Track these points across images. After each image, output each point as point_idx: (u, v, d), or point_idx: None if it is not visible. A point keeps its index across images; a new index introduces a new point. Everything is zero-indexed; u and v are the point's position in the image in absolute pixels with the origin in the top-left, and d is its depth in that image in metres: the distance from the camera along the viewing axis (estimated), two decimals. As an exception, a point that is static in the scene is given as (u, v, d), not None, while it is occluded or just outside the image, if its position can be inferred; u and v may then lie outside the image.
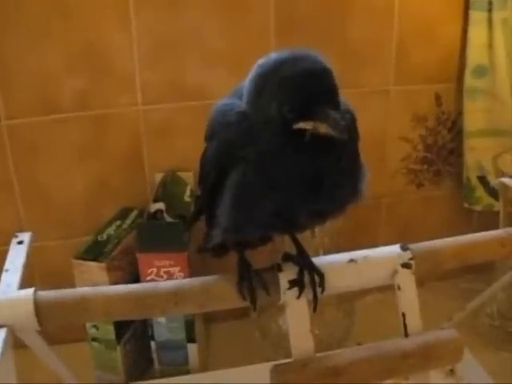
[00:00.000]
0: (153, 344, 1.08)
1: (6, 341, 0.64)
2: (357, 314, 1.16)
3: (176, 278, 0.99)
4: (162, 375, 1.09)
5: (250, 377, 0.98)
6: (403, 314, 0.73)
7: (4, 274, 0.76)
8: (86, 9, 1.03)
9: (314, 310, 0.70)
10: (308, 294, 0.70)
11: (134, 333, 1.10)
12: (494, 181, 1.14)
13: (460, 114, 1.21)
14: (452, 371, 1.05)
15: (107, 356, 1.07)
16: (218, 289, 0.69)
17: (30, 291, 0.68)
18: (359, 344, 1.11)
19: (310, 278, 0.70)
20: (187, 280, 0.70)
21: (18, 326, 0.67)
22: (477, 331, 1.19)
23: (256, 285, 0.68)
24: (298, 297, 0.69)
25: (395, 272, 0.73)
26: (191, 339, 1.07)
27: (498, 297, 1.16)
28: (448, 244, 0.78)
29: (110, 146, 1.12)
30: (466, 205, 1.25)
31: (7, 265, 0.77)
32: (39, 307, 0.66)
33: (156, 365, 1.10)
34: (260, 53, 1.08)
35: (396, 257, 0.74)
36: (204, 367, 1.11)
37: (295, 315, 0.69)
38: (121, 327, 1.06)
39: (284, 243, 0.81)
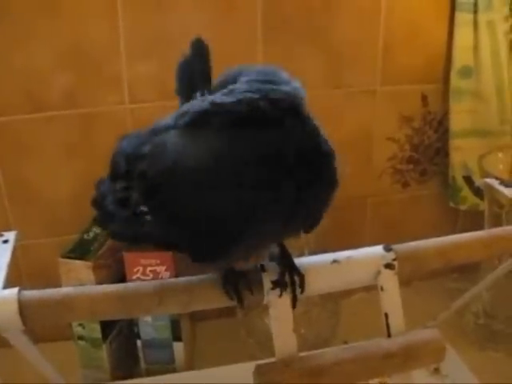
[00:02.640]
0: (139, 342, 1.08)
1: (-11, 340, 0.65)
2: (342, 314, 1.17)
3: (162, 277, 0.99)
4: (148, 374, 1.10)
5: (235, 375, 0.99)
6: (386, 315, 0.73)
7: (-12, 273, 0.76)
8: (74, 6, 1.03)
9: (294, 307, 0.70)
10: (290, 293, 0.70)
11: (119, 331, 1.10)
12: (479, 181, 1.15)
13: (446, 114, 1.22)
14: (436, 370, 1.07)
15: (93, 354, 1.07)
16: (202, 289, 0.69)
17: (14, 291, 0.67)
18: (346, 343, 1.12)
19: (290, 278, 0.70)
20: (171, 280, 0.71)
21: (2, 325, 0.67)
22: (462, 330, 1.20)
23: (241, 285, 0.69)
24: (280, 296, 0.69)
25: (378, 273, 0.74)
26: (177, 338, 1.07)
27: (482, 296, 1.17)
28: (431, 245, 0.78)
29: (97, 145, 1.11)
30: (451, 204, 1.26)
31: (-9, 264, 0.78)
32: (23, 307, 0.66)
33: (142, 363, 1.10)
34: (247, 52, 1.10)
35: (379, 257, 0.74)
36: (190, 366, 1.12)
37: (279, 315, 0.69)
38: (107, 326, 1.06)
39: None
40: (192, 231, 0.60)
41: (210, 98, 0.59)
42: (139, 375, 1.10)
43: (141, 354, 1.09)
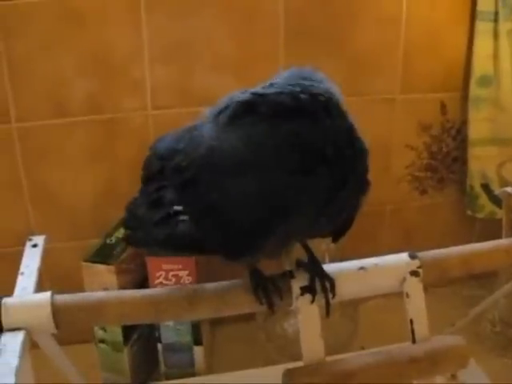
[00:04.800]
0: (159, 346, 1.09)
1: (24, 343, 0.66)
2: (359, 319, 1.17)
3: (184, 282, 1.01)
4: (168, 377, 1.11)
5: (255, 379, 1.00)
6: (411, 321, 0.75)
7: (20, 277, 0.77)
8: (98, 14, 1.04)
9: (327, 314, 0.72)
10: (319, 299, 0.71)
11: (140, 335, 1.11)
12: (497, 189, 1.15)
13: (464, 122, 1.23)
14: (454, 376, 1.07)
15: (114, 358, 1.08)
16: (232, 294, 0.70)
17: (47, 295, 0.69)
18: (363, 348, 1.13)
19: (321, 284, 0.72)
20: (201, 285, 0.72)
21: (34, 328, 0.68)
22: (478, 337, 1.20)
23: (270, 290, 0.70)
24: (312, 302, 0.70)
25: (404, 280, 0.75)
26: (198, 342, 1.09)
27: (499, 303, 1.17)
28: (455, 252, 0.80)
29: (119, 150, 1.13)
30: (468, 212, 1.27)
31: (22, 268, 0.79)
32: (56, 311, 0.68)
33: (162, 367, 1.11)
34: (269, 60, 1.11)
35: (404, 265, 0.75)
36: (210, 369, 1.13)
37: (306, 321, 0.71)
38: (128, 329, 1.07)
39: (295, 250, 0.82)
40: (226, 222, 0.61)
41: (249, 90, 0.61)
42: (159, 379, 1.11)
43: (161, 358, 1.10)
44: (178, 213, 0.67)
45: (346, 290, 0.73)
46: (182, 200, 0.66)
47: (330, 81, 0.63)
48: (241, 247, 0.62)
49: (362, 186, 0.65)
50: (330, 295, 0.72)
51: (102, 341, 1.07)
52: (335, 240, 0.71)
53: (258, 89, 0.62)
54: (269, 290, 0.70)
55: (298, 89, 0.59)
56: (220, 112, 0.63)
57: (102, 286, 1.00)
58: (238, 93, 0.63)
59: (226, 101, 0.63)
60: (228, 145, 0.60)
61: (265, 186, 0.58)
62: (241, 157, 0.59)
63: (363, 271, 0.74)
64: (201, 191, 0.62)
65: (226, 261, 0.64)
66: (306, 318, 0.71)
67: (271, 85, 0.61)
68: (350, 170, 0.61)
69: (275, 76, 0.64)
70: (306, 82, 0.60)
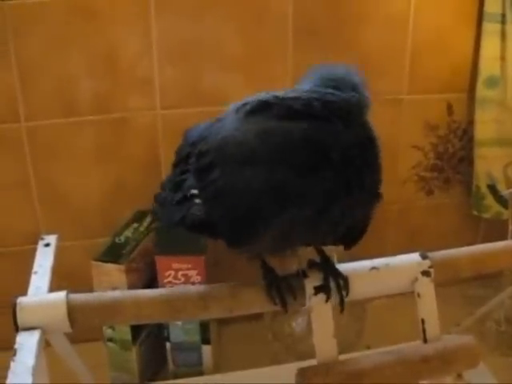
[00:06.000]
0: (168, 345, 1.10)
1: (39, 342, 0.66)
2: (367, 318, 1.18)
3: (193, 282, 1.01)
4: (176, 376, 1.11)
5: (262, 378, 1.01)
6: (422, 320, 0.75)
7: (33, 276, 0.78)
8: (107, 13, 1.04)
9: (342, 311, 0.73)
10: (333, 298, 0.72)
11: (149, 334, 1.12)
12: (503, 190, 1.16)
13: (471, 123, 1.23)
14: (460, 376, 1.08)
15: (122, 356, 1.08)
16: (246, 293, 0.71)
17: (62, 294, 0.69)
18: (368, 347, 1.13)
19: (335, 283, 0.72)
20: (216, 285, 0.72)
21: (49, 328, 0.69)
22: (483, 336, 1.20)
23: (284, 289, 0.70)
24: (327, 301, 0.71)
25: (415, 279, 0.75)
26: (206, 341, 1.09)
27: (504, 303, 1.18)
28: (465, 253, 0.80)
29: (128, 149, 1.13)
30: (474, 212, 1.27)
31: (35, 267, 0.79)
32: (72, 310, 0.68)
33: (170, 366, 1.11)
34: (278, 60, 1.11)
35: (416, 265, 0.76)
36: (217, 368, 1.13)
37: (320, 320, 0.71)
38: (136, 328, 1.07)
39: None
40: (228, 207, 0.64)
41: (273, 92, 0.65)
42: (167, 377, 1.12)
43: (169, 357, 1.11)
44: (193, 196, 0.71)
45: (358, 290, 0.74)
46: (197, 184, 0.70)
47: (363, 88, 0.66)
48: (239, 234, 0.64)
49: (372, 198, 0.66)
50: (344, 293, 0.73)
51: (111, 339, 1.08)
52: (347, 248, 0.72)
53: (281, 92, 0.65)
54: (282, 289, 0.71)
55: (314, 95, 0.63)
56: (240, 107, 0.67)
57: (112, 285, 1.00)
58: (264, 93, 0.66)
59: (250, 99, 0.67)
60: (240, 136, 0.65)
61: (266, 177, 0.61)
62: (248, 148, 0.63)
63: (375, 271, 0.75)
64: (213, 177, 0.66)
65: (229, 248, 0.67)
66: (319, 317, 0.71)
67: (293, 90, 0.65)
68: (357, 180, 0.62)
69: (308, 73, 0.68)
70: (327, 90, 0.63)
